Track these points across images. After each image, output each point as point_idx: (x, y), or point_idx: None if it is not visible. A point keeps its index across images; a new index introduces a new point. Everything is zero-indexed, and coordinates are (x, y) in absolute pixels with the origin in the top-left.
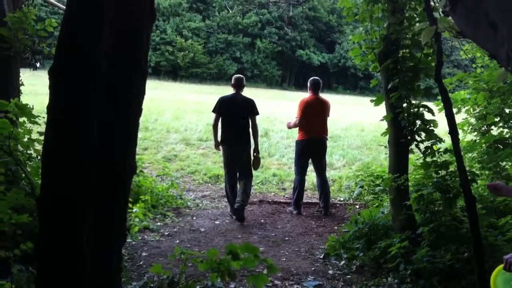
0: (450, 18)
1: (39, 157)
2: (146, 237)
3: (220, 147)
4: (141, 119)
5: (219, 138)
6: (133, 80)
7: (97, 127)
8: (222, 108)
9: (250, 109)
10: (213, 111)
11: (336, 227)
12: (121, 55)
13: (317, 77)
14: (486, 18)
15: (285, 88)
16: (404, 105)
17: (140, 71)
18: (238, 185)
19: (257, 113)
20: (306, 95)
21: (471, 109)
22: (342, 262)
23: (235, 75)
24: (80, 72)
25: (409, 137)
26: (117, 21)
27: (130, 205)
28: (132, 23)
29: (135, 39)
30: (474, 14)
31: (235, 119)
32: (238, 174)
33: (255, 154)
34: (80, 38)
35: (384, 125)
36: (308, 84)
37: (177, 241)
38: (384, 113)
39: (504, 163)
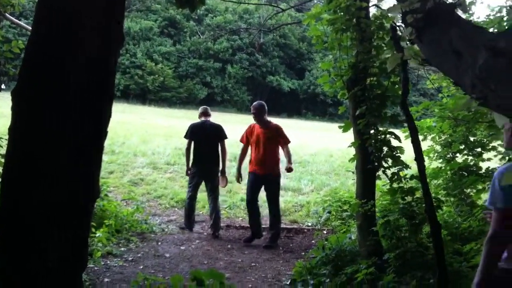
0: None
1: None
2: (109, 262)
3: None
4: (108, 142)
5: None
6: (99, 103)
7: (60, 149)
8: (193, 134)
9: (218, 134)
10: (185, 136)
11: (303, 253)
12: (88, 77)
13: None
14: (451, 46)
15: None
16: (372, 131)
17: (107, 94)
18: (209, 205)
19: (225, 137)
20: (276, 120)
21: (437, 137)
22: None
23: (201, 107)
24: (44, 93)
25: (376, 163)
26: (84, 43)
27: (93, 229)
28: (100, 46)
29: (102, 62)
30: (439, 43)
31: (204, 144)
32: (207, 192)
33: (221, 173)
34: (46, 59)
35: (352, 151)
36: (257, 109)
37: (141, 267)
38: (352, 139)
39: (469, 190)
